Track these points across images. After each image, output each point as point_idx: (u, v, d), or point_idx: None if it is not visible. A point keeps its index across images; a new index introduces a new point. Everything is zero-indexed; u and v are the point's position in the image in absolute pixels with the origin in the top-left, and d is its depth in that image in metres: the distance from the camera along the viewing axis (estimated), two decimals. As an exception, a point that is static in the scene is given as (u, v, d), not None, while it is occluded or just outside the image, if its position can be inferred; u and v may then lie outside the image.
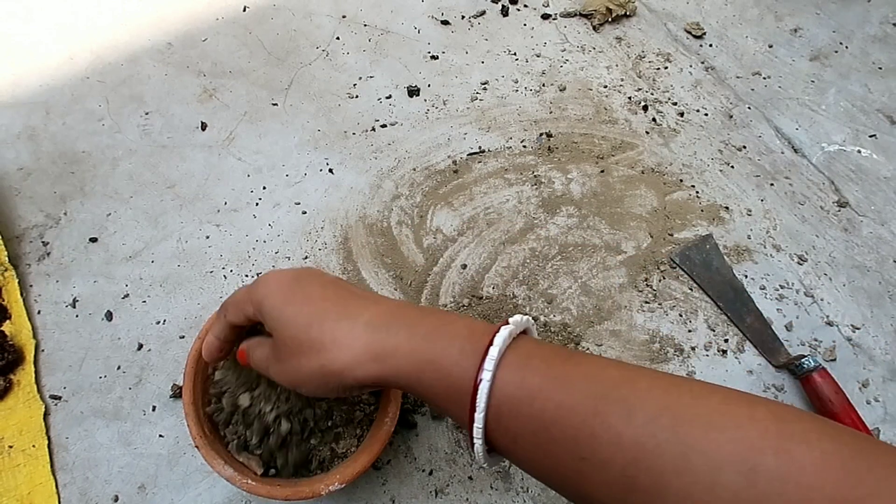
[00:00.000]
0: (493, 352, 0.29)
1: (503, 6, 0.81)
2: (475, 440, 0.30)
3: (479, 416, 0.29)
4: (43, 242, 0.60)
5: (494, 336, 0.30)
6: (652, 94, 0.75)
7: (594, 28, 0.80)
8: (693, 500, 0.24)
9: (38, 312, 0.57)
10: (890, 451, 0.24)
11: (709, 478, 0.24)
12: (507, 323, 0.31)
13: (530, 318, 0.33)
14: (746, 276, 0.63)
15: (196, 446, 0.44)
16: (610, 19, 0.81)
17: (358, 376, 0.32)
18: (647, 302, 0.61)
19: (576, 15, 0.81)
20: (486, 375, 0.29)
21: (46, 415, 0.52)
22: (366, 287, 0.60)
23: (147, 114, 0.69)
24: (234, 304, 0.38)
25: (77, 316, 0.57)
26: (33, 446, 0.50)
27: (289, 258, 0.61)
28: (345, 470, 0.45)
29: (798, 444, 0.24)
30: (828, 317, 0.61)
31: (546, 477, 0.30)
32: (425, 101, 0.72)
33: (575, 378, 0.29)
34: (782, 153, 0.71)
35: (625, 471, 0.26)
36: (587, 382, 0.28)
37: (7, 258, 0.58)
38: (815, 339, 0.60)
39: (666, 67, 0.77)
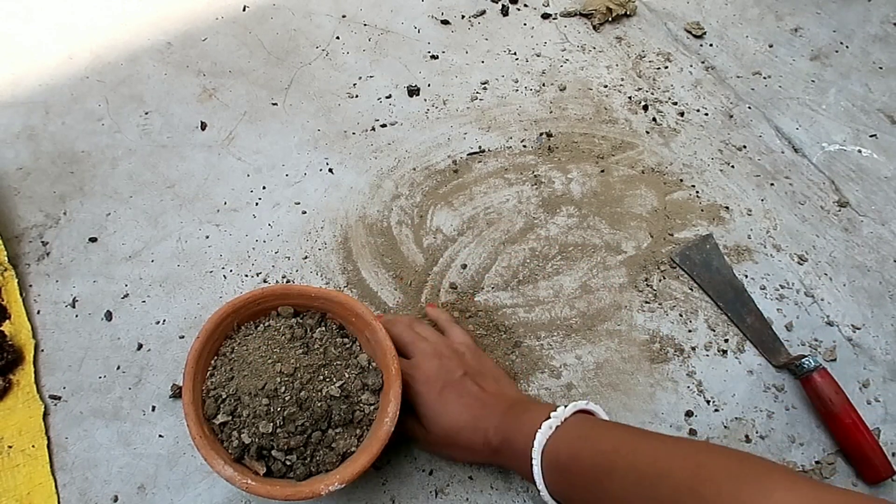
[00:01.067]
0: (539, 437, 0.43)
1: (503, 6, 0.81)
2: (543, 496, 0.44)
3: (539, 483, 0.43)
4: (42, 242, 0.60)
5: (537, 431, 0.44)
6: (652, 93, 0.75)
7: (594, 28, 0.80)
8: None
9: (38, 312, 0.57)
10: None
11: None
12: (550, 416, 0.44)
13: (584, 404, 0.46)
14: (747, 276, 0.62)
15: (196, 446, 0.43)
16: (610, 19, 0.81)
17: (474, 460, 0.51)
18: (647, 302, 0.60)
19: (576, 14, 0.81)
20: (534, 455, 0.43)
21: (46, 415, 0.52)
22: (366, 288, 0.60)
23: (147, 113, 0.69)
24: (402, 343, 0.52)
25: (76, 316, 0.57)
26: (33, 446, 0.50)
27: (289, 258, 0.61)
28: (345, 470, 0.44)
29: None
30: (828, 317, 0.61)
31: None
32: (425, 100, 0.72)
33: (590, 442, 0.42)
34: (782, 153, 0.71)
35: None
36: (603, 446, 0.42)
37: (6, 258, 0.58)
38: (816, 339, 0.59)
39: (666, 67, 0.77)
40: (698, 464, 0.37)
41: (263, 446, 0.45)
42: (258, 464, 0.45)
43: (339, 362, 0.48)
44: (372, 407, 0.48)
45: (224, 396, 0.46)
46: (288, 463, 0.45)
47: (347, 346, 0.50)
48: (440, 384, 0.48)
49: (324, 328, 0.50)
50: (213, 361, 0.48)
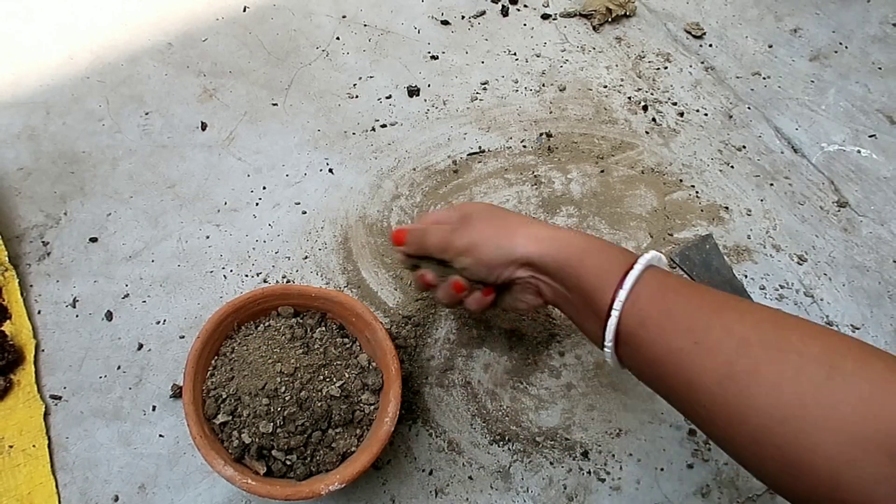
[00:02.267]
0: (632, 275, 0.38)
1: (503, 6, 0.81)
2: (609, 324, 0.38)
3: (609, 341, 0.38)
4: (43, 242, 0.60)
5: (635, 262, 0.38)
6: (652, 94, 0.75)
7: (594, 28, 0.80)
8: (781, 386, 0.30)
9: (39, 312, 0.57)
10: None
11: (796, 369, 0.30)
12: (629, 273, 0.38)
13: (661, 255, 0.41)
14: (746, 276, 0.63)
15: (196, 446, 0.44)
16: (610, 19, 0.81)
17: (530, 250, 0.42)
18: (646, 302, 0.61)
19: (576, 15, 0.81)
20: (622, 291, 0.37)
21: (46, 415, 0.52)
22: (366, 288, 0.60)
23: (147, 114, 0.69)
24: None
25: (77, 316, 0.57)
26: (33, 446, 0.51)
27: (289, 258, 0.61)
28: (345, 470, 0.45)
29: (875, 358, 0.30)
30: (828, 317, 0.61)
31: (657, 362, 0.36)
32: (425, 101, 0.72)
33: (698, 292, 0.37)
34: (782, 153, 0.71)
35: (729, 356, 0.32)
36: (710, 294, 0.36)
37: (7, 258, 0.58)
38: (815, 339, 0.60)
39: (666, 67, 0.78)
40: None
41: (264, 446, 0.45)
42: (258, 464, 0.45)
43: (339, 362, 0.48)
44: (372, 407, 0.48)
45: (224, 396, 0.46)
46: (288, 463, 0.45)
47: (347, 346, 0.50)
48: (459, 227, 0.45)
49: (324, 328, 0.51)
50: (213, 361, 0.48)
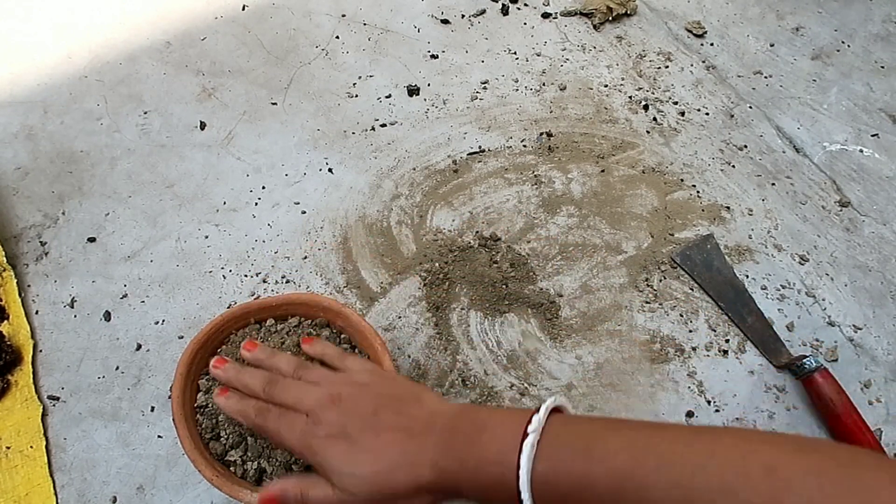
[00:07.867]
0: (525, 449, 0.33)
1: (503, 5, 0.80)
2: None
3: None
4: (41, 242, 0.60)
5: (520, 455, 0.33)
6: (653, 93, 0.75)
7: (595, 27, 0.80)
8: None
9: (37, 312, 0.56)
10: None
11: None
12: (532, 419, 0.34)
13: (558, 398, 0.36)
14: (747, 276, 0.62)
15: (216, 487, 0.42)
16: (610, 18, 0.80)
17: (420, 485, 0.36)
18: (647, 302, 0.60)
19: (576, 14, 0.81)
20: (522, 475, 0.32)
21: (44, 415, 0.52)
22: (366, 288, 0.60)
23: (146, 113, 0.69)
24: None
25: (75, 316, 0.57)
26: (31, 447, 0.50)
27: (288, 258, 0.61)
28: None
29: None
30: (829, 317, 0.61)
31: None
32: (425, 100, 0.72)
33: (599, 456, 0.32)
34: (784, 152, 0.71)
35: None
36: (611, 461, 0.32)
37: (5, 258, 0.57)
38: (817, 340, 0.59)
39: (667, 66, 0.77)
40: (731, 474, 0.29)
41: (285, 467, 0.45)
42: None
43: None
44: None
45: (227, 435, 0.45)
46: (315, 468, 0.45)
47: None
48: (347, 432, 0.37)
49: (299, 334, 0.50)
50: (198, 398, 0.47)
